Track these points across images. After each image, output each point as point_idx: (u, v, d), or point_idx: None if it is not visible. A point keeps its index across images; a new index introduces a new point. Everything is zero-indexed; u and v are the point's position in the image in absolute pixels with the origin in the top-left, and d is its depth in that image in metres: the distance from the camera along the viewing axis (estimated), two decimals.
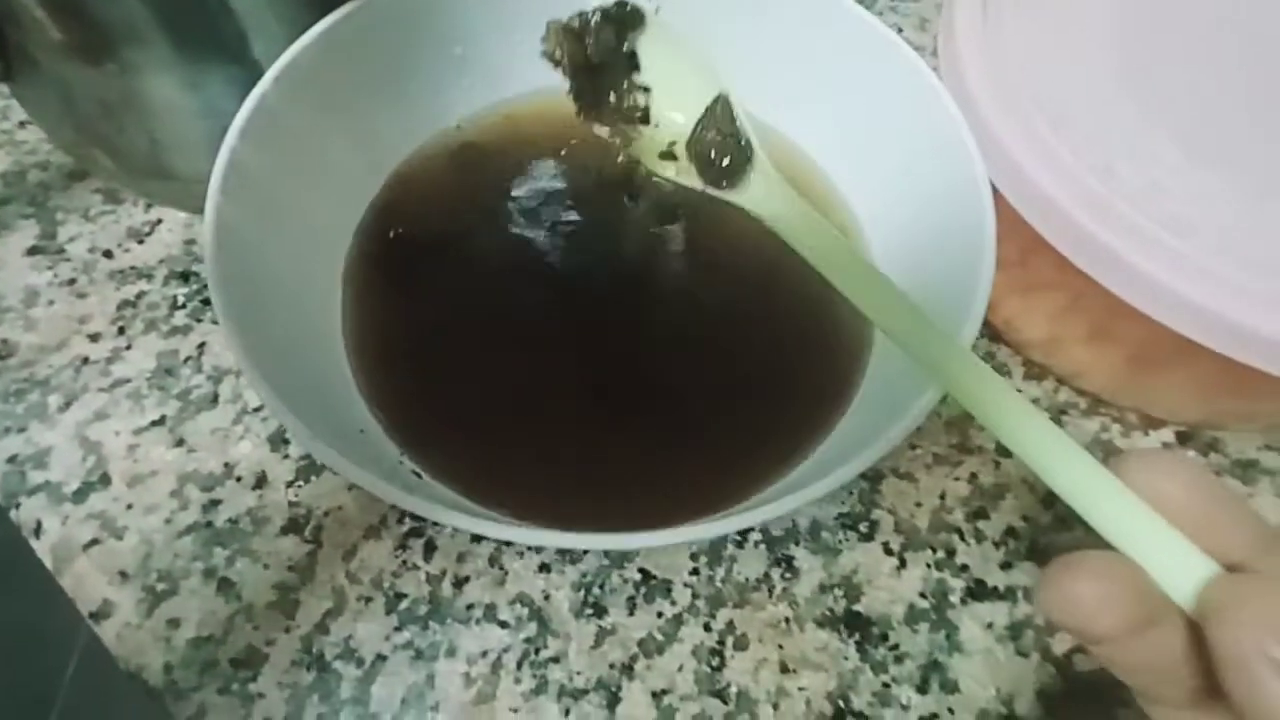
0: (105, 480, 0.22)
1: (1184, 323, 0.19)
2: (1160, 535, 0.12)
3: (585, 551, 0.21)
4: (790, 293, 0.22)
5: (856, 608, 0.21)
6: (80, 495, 0.22)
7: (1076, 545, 0.21)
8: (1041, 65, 0.22)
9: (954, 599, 0.21)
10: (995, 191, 0.20)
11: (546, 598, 0.21)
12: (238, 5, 0.20)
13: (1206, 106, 0.21)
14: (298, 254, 0.20)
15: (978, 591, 0.21)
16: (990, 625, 0.21)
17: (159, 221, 0.27)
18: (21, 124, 0.29)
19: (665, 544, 0.18)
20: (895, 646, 0.20)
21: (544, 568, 0.21)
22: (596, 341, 0.22)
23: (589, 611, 0.21)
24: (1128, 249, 0.19)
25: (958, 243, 0.19)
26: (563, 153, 0.24)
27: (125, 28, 0.19)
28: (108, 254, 0.26)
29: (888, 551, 0.22)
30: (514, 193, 0.24)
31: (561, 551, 0.21)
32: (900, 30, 0.34)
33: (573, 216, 0.23)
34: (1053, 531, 0.22)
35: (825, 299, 0.20)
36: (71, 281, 0.26)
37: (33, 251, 0.26)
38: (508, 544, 0.21)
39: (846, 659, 0.20)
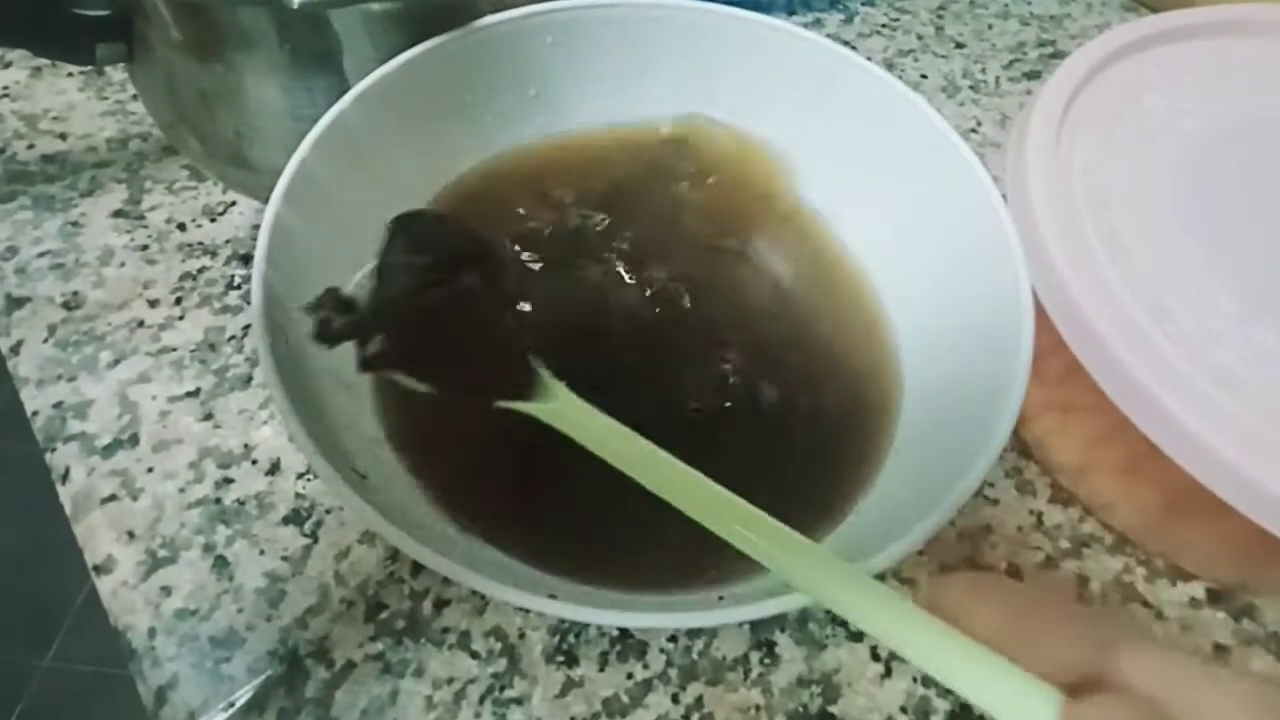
0: (134, 440, 0.23)
1: (1214, 479, 0.18)
2: (1001, 675, 0.12)
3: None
4: (818, 373, 0.22)
5: (832, 709, 0.20)
6: (109, 450, 0.23)
7: None
8: (1109, 193, 0.22)
9: None
10: (1043, 306, 0.20)
11: (521, 636, 0.21)
12: (339, 26, 0.21)
13: (1270, 263, 0.21)
14: (351, 266, 0.20)
15: (962, 716, 0.20)
16: None
17: (233, 204, 0.29)
18: (134, 96, 0.32)
19: (654, 625, 0.17)
20: None
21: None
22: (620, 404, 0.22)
23: (560, 659, 0.20)
24: (1166, 392, 0.18)
25: (991, 357, 0.19)
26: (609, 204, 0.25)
27: (239, 36, 0.21)
28: (181, 226, 0.28)
29: (875, 656, 0.21)
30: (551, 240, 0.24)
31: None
32: (979, 124, 0.34)
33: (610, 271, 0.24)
34: None
35: (854, 379, 0.20)
36: (145, 247, 0.27)
37: (117, 214, 0.28)
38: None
39: None
